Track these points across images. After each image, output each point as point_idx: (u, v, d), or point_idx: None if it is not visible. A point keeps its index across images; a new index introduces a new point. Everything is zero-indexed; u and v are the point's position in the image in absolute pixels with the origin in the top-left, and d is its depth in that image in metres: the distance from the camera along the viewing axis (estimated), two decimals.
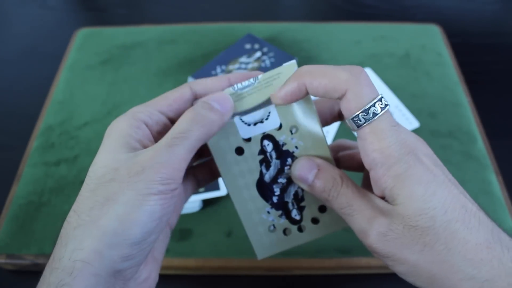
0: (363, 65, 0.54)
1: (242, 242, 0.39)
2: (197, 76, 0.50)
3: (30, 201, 0.42)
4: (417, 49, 0.56)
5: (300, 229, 0.28)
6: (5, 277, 0.40)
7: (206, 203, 0.41)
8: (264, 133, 0.26)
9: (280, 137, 0.26)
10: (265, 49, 0.53)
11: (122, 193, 0.21)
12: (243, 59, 0.52)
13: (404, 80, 0.52)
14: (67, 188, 0.43)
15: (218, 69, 0.51)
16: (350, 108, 0.23)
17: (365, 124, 0.23)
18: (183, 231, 0.40)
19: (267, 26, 0.59)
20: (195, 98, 0.26)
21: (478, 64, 0.58)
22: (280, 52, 0.52)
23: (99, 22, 0.66)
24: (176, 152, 0.22)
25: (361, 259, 0.38)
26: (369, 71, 0.53)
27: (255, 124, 0.26)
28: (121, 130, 0.24)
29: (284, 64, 0.26)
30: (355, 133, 0.25)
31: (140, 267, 0.23)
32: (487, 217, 0.24)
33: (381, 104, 0.23)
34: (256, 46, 0.53)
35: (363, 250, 0.38)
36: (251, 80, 0.26)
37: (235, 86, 0.26)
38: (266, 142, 0.27)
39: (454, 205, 0.23)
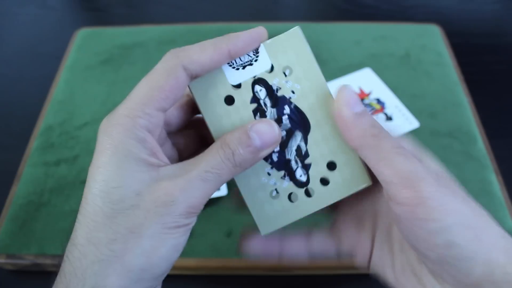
0: (363, 65, 0.54)
1: None
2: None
3: (30, 201, 0.42)
4: (417, 49, 0.56)
5: (308, 193, 0.24)
6: (5, 277, 0.40)
7: (206, 203, 0.41)
8: (254, 76, 0.23)
9: (273, 81, 0.24)
10: None
11: (149, 226, 0.19)
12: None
13: (404, 80, 0.52)
14: (67, 188, 0.43)
15: None
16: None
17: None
18: None
19: (267, 26, 0.59)
20: (191, 78, 0.22)
21: (478, 64, 0.58)
22: None
23: (99, 22, 0.66)
24: (208, 187, 0.21)
25: None
26: (369, 71, 0.53)
27: (243, 67, 0.23)
28: (127, 138, 0.20)
29: (287, 32, 0.24)
30: None
31: None
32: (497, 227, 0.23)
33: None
34: None
35: None
36: (251, 54, 0.23)
37: (234, 62, 0.23)
38: (258, 87, 0.24)
39: (467, 216, 0.22)
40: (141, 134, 0.20)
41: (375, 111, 0.49)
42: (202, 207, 0.21)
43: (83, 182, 0.43)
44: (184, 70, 0.22)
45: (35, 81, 0.56)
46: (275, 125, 0.22)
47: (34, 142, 0.47)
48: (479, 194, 0.42)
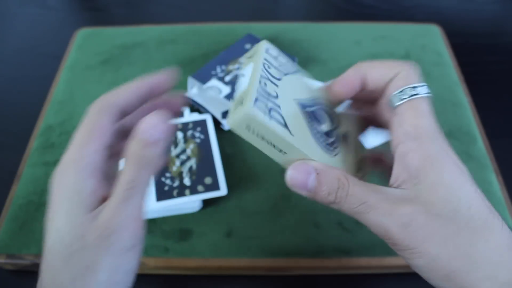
0: None
1: (242, 242, 0.39)
2: (197, 76, 0.50)
3: (30, 201, 0.42)
4: (417, 49, 0.56)
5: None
6: (5, 277, 0.40)
7: (206, 203, 0.41)
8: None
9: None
10: None
11: (100, 260, 0.22)
12: (243, 59, 0.52)
13: None
14: None
15: (218, 69, 0.51)
16: (398, 84, 0.25)
17: (407, 99, 0.24)
18: (183, 231, 0.40)
19: (267, 26, 0.59)
20: (121, 116, 0.26)
21: (478, 64, 0.58)
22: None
23: (99, 22, 0.66)
24: (132, 203, 0.22)
25: (361, 259, 0.38)
26: None
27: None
28: (72, 187, 0.23)
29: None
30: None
31: None
32: (506, 224, 0.23)
33: (426, 90, 0.25)
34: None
35: (363, 250, 0.38)
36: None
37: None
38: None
39: (479, 203, 0.22)
40: (84, 174, 0.23)
41: None
42: (141, 222, 0.23)
43: None
44: (108, 114, 0.26)
45: (35, 81, 0.56)
46: (155, 118, 0.24)
47: (34, 142, 0.47)
48: None
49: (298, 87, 0.27)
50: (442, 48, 0.56)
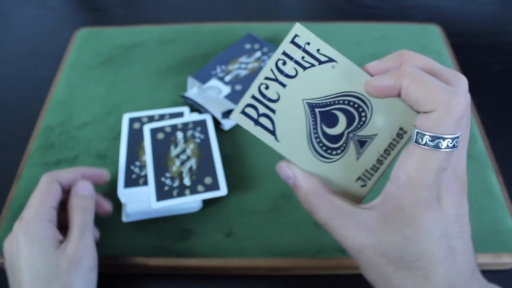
0: (363, 65, 0.54)
1: (242, 242, 0.39)
2: (197, 76, 0.50)
3: None
4: (417, 49, 0.56)
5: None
6: (5, 277, 0.40)
7: (206, 203, 0.41)
8: None
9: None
10: (265, 49, 0.53)
11: (74, 280, 0.31)
12: (243, 59, 0.52)
13: None
14: None
15: (218, 69, 0.51)
16: (424, 124, 0.23)
17: (423, 145, 0.23)
18: (183, 231, 0.40)
19: (267, 26, 0.59)
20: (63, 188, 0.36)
21: (478, 64, 0.58)
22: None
23: (99, 22, 0.66)
24: (88, 237, 0.33)
25: None
26: None
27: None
28: (38, 235, 0.32)
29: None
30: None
31: None
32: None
33: (450, 143, 0.22)
34: (256, 46, 0.53)
35: None
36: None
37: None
38: None
39: (433, 255, 0.24)
40: (46, 227, 0.32)
41: None
42: (96, 250, 0.34)
43: None
44: (56, 183, 0.35)
45: (35, 81, 0.56)
46: (85, 183, 0.37)
47: (34, 142, 0.47)
48: (479, 194, 0.42)
49: (318, 82, 0.26)
50: (442, 48, 0.56)
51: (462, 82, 0.24)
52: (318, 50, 0.26)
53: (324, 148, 0.26)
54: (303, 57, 0.26)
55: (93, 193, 0.36)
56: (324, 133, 0.26)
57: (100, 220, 0.39)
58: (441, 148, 0.22)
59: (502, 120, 0.52)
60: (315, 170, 0.27)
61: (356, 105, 0.26)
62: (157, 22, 0.62)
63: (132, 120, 0.46)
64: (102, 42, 0.58)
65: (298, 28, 0.25)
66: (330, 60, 0.26)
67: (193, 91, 0.49)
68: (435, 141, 0.22)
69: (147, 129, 0.45)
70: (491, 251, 0.38)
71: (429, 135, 0.22)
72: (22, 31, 0.64)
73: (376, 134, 0.27)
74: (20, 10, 0.68)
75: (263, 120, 0.26)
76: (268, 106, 0.26)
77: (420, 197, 0.23)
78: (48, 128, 0.48)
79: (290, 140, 0.26)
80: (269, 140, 0.26)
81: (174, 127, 0.45)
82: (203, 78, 0.49)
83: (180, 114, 0.47)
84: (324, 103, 0.26)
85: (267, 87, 0.25)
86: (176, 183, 0.40)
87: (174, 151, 0.43)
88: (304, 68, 0.26)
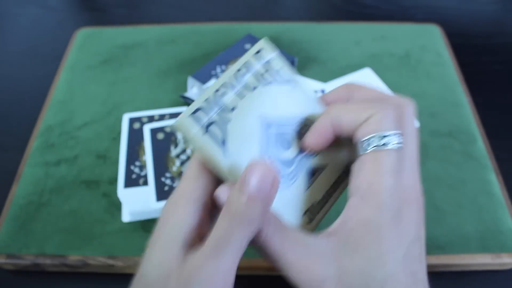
0: (363, 65, 0.54)
1: None
2: (197, 76, 0.50)
3: (30, 201, 0.42)
4: (417, 49, 0.56)
5: None
6: (5, 277, 0.40)
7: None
8: None
9: None
10: None
11: None
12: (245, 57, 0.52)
13: (404, 80, 0.52)
14: (67, 188, 0.43)
15: (218, 69, 0.51)
16: (366, 130, 0.22)
17: (371, 149, 0.22)
18: None
19: (267, 26, 0.59)
20: None
21: (478, 64, 0.58)
22: (280, 52, 0.52)
23: (99, 22, 0.66)
24: (222, 263, 0.20)
25: None
26: (369, 71, 0.53)
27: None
28: (176, 219, 0.22)
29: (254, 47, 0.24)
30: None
31: None
32: None
33: (398, 140, 0.22)
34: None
35: None
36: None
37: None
38: None
39: (398, 280, 0.21)
40: (188, 214, 0.22)
41: None
42: (223, 285, 0.20)
43: (83, 182, 0.43)
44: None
45: (35, 81, 0.56)
46: (267, 168, 0.20)
47: (34, 142, 0.47)
48: (479, 194, 0.42)
49: (276, 101, 0.24)
50: (442, 48, 0.56)
51: (409, 103, 0.24)
52: (279, 69, 0.25)
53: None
54: (263, 74, 0.25)
55: (274, 192, 0.21)
56: (276, 155, 0.24)
57: (100, 220, 0.39)
58: (388, 146, 0.22)
59: (502, 120, 0.52)
60: None
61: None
62: (157, 22, 0.62)
63: (132, 120, 0.46)
64: (102, 42, 0.58)
65: (264, 44, 0.25)
66: (289, 81, 0.25)
67: (193, 91, 0.49)
68: (384, 139, 0.22)
69: (147, 129, 0.45)
70: (491, 251, 0.38)
71: (376, 136, 0.22)
72: (22, 31, 0.64)
73: (327, 165, 0.25)
74: (20, 10, 0.68)
75: (213, 128, 0.22)
76: (222, 114, 0.22)
77: (384, 205, 0.21)
78: (48, 128, 0.48)
79: (240, 158, 0.22)
80: (215, 153, 0.22)
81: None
82: (203, 78, 0.49)
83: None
84: (279, 123, 0.24)
85: (224, 93, 0.23)
86: (176, 183, 0.40)
87: (174, 151, 0.43)
88: (263, 83, 0.24)
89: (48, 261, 0.38)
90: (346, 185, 0.25)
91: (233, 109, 0.23)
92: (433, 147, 0.46)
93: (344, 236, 0.22)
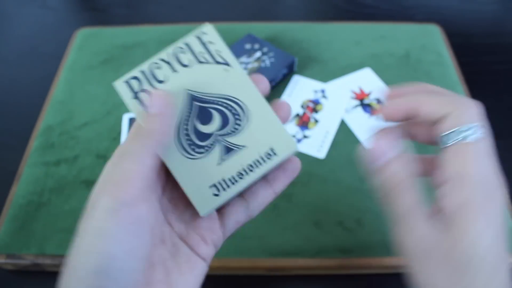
0: (363, 65, 0.54)
1: (242, 242, 0.39)
2: None
3: (30, 201, 0.42)
4: (417, 49, 0.56)
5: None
6: (5, 277, 0.40)
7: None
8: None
9: None
10: (265, 49, 0.53)
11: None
12: (243, 59, 0.52)
13: (404, 80, 0.52)
14: (67, 188, 0.43)
15: None
16: (447, 125, 0.24)
17: (453, 142, 0.24)
18: None
19: (267, 26, 0.59)
20: None
21: (478, 64, 0.58)
22: (280, 52, 0.52)
23: (99, 22, 0.66)
24: (137, 163, 0.23)
25: (361, 259, 0.38)
26: (369, 71, 0.53)
27: None
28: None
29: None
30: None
31: None
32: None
33: (478, 133, 0.24)
34: (256, 46, 0.53)
35: (363, 250, 0.38)
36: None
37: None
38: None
39: (494, 258, 0.23)
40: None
41: (375, 111, 0.49)
42: (145, 175, 0.23)
43: (83, 182, 0.43)
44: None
45: (35, 81, 0.56)
46: (159, 92, 0.26)
47: (34, 142, 0.47)
48: None
49: (207, 79, 0.27)
50: (442, 48, 0.56)
51: (479, 104, 0.26)
52: (217, 51, 0.27)
53: (189, 142, 0.26)
54: (201, 52, 0.27)
55: (167, 113, 0.26)
56: (194, 127, 0.26)
57: None
58: (468, 138, 0.24)
59: (502, 120, 0.52)
60: (172, 160, 0.26)
61: (234, 111, 0.26)
62: (157, 22, 0.62)
63: (132, 120, 0.46)
64: (102, 42, 0.58)
65: (207, 28, 0.28)
66: (226, 63, 0.27)
67: None
68: (463, 133, 0.24)
69: None
70: None
71: (455, 131, 0.24)
72: (22, 31, 0.64)
73: (244, 146, 0.26)
74: (20, 10, 0.68)
75: (142, 95, 0.26)
76: (152, 84, 0.27)
77: (475, 190, 0.24)
78: (48, 128, 0.48)
79: None
80: (140, 116, 0.26)
81: None
82: None
83: None
84: (205, 99, 0.27)
85: (159, 67, 0.27)
86: None
87: None
88: (199, 61, 0.27)
89: (48, 261, 0.38)
90: (264, 171, 0.26)
91: (163, 81, 0.27)
92: (433, 147, 0.45)
93: (446, 220, 0.24)
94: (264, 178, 0.27)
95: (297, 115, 0.49)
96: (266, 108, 0.27)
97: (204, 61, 0.27)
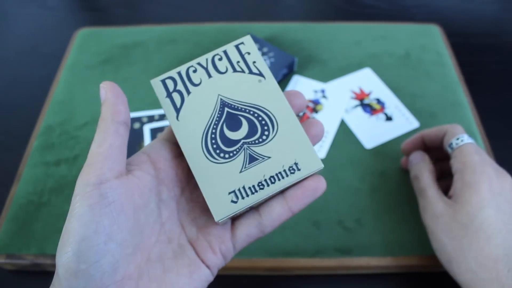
0: (363, 65, 0.54)
1: None
2: None
3: (30, 201, 0.42)
4: (417, 49, 0.56)
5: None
6: (5, 277, 0.40)
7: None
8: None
9: None
10: (265, 49, 0.53)
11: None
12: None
13: (404, 80, 0.52)
14: (67, 188, 0.43)
15: None
16: (448, 138, 0.37)
17: (456, 146, 0.35)
18: None
19: (267, 26, 0.59)
20: None
21: (478, 64, 0.58)
22: (280, 52, 0.52)
23: (99, 22, 0.66)
24: (102, 144, 0.24)
25: (361, 259, 0.38)
26: (369, 71, 0.53)
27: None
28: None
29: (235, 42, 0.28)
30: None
31: None
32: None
33: (469, 138, 0.35)
34: (256, 46, 0.53)
35: (363, 250, 0.39)
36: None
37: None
38: None
39: (492, 220, 0.31)
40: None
41: (375, 111, 0.49)
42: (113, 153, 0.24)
43: None
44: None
45: (35, 81, 0.56)
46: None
47: (34, 142, 0.47)
48: None
49: (241, 87, 0.27)
50: (442, 48, 0.56)
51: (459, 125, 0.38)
52: (254, 62, 0.28)
53: (214, 146, 0.26)
54: (238, 62, 0.28)
55: (114, 98, 0.26)
56: (222, 132, 0.26)
57: None
58: (464, 141, 0.35)
59: (502, 120, 0.52)
60: (195, 161, 0.26)
61: (263, 122, 0.27)
62: (157, 22, 0.62)
63: (132, 120, 0.46)
64: (102, 42, 0.58)
65: (246, 39, 0.28)
66: (260, 74, 0.28)
67: None
68: (459, 139, 0.36)
69: (147, 129, 0.45)
70: None
71: (455, 139, 0.36)
72: (22, 31, 0.64)
73: (269, 157, 0.26)
74: (20, 10, 0.68)
75: (175, 95, 0.27)
76: (186, 86, 0.27)
77: (476, 171, 0.33)
78: (48, 128, 0.48)
79: (188, 124, 0.26)
80: (171, 116, 0.26)
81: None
82: None
83: None
84: (236, 106, 0.27)
85: (195, 71, 0.28)
86: None
87: None
88: (234, 70, 0.28)
89: (48, 261, 0.38)
90: (285, 184, 0.26)
91: (198, 84, 0.27)
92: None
93: (455, 197, 0.34)
94: (282, 194, 0.27)
95: (297, 115, 0.49)
96: (295, 123, 0.27)
97: (239, 70, 0.28)
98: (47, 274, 0.39)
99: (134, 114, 0.47)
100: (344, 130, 0.47)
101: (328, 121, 0.48)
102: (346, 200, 0.42)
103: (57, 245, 0.39)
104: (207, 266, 0.26)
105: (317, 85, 0.52)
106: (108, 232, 0.22)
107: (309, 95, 0.51)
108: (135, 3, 0.69)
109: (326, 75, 0.53)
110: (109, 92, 0.25)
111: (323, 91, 0.51)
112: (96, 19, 0.67)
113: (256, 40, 0.54)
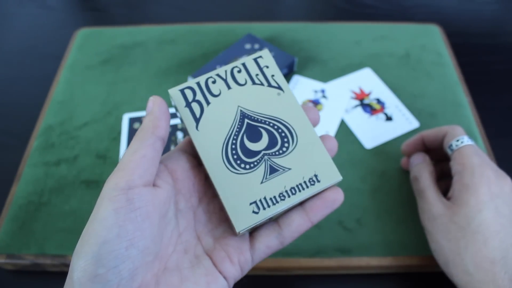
0: (363, 65, 0.54)
1: None
2: (197, 75, 0.50)
3: (30, 201, 0.42)
4: (417, 49, 0.56)
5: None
6: (5, 277, 0.40)
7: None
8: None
9: None
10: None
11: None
12: (243, 59, 0.52)
13: (404, 80, 0.52)
14: (67, 188, 0.43)
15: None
16: (448, 140, 0.36)
17: (456, 148, 0.35)
18: None
19: (267, 26, 0.59)
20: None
21: (478, 64, 0.58)
22: (280, 52, 0.52)
23: (99, 22, 0.66)
24: (138, 153, 0.24)
25: (361, 259, 0.38)
26: (369, 71, 0.53)
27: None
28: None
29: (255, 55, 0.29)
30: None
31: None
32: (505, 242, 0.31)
33: (468, 140, 0.35)
34: (256, 46, 0.53)
35: (363, 250, 0.39)
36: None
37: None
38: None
39: (490, 223, 0.31)
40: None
41: (375, 111, 0.49)
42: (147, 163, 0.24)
43: (83, 182, 0.43)
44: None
45: (35, 81, 0.56)
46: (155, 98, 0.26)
47: (34, 142, 0.47)
48: None
49: (260, 99, 0.28)
50: (442, 48, 0.56)
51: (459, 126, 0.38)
52: (272, 75, 0.28)
53: (235, 157, 0.26)
54: (257, 75, 0.28)
55: (158, 112, 0.26)
56: (242, 143, 0.26)
57: None
58: (464, 143, 0.35)
59: (502, 120, 0.52)
60: (215, 172, 0.26)
61: (283, 134, 0.27)
62: (157, 22, 0.62)
63: (132, 120, 0.46)
64: (102, 42, 0.58)
65: (264, 53, 0.29)
66: (279, 87, 0.28)
67: None
68: (459, 141, 0.35)
69: None
70: None
71: (454, 141, 0.36)
72: (22, 31, 0.64)
73: (290, 169, 0.26)
74: (20, 10, 0.68)
75: (194, 105, 0.27)
76: (206, 96, 0.27)
77: (475, 173, 0.33)
78: (48, 128, 0.48)
79: (208, 134, 0.26)
80: (190, 126, 0.27)
81: (175, 127, 0.45)
82: None
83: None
84: (255, 118, 0.27)
85: (214, 82, 0.28)
86: None
87: None
88: (254, 82, 0.28)
89: (48, 261, 0.38)
90: (305, 196, 0.26)
91: (217, 95, 0.27)
92: None
93: (453, 198, 0.33)
94: (302, 206, 0.27)
95: None
96: (314, 135, 0.27)
97: (258, 82, 0.28)
98: (47, 274, 0.39)
99: (134, 114, 0.47)
100: (344, 130, 0.47)
101: (328, 121, 0.48)
102: (346, 200, 0.41)
103: (57, 245, 0.39)
104: (225, 277, 0.25)
105: (317, 85, 0.52)
106: (131, 238, 0.22)
107: (309, 95, 0.51)
108: (135, 3, 0.69)
109: (326, 75, 0.53)
110: (156, 106, 0.25)
111: (323, 91, 0.51)
112: (96, 19, 0.67)
113: (256, 40, 0.54)
